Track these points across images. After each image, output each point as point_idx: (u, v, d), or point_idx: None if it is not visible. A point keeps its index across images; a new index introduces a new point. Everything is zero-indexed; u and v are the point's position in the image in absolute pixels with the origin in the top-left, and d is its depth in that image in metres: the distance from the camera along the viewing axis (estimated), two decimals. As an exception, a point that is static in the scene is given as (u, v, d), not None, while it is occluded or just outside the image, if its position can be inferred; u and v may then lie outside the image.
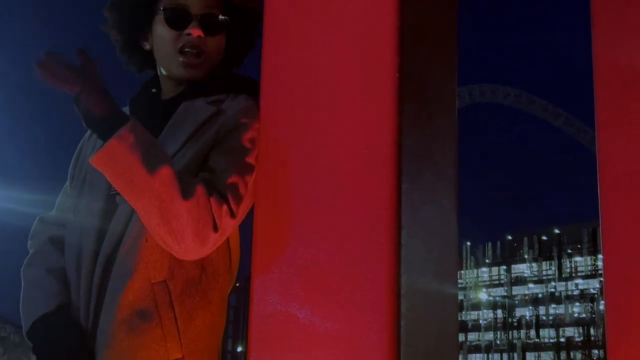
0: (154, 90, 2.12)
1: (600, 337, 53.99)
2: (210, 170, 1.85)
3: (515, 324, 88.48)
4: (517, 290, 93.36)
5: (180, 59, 2.00)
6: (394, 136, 1.58)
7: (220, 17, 2.05)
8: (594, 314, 69.89)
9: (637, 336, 2.78)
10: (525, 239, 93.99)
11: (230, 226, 1.80)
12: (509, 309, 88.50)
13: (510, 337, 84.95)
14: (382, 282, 1.52)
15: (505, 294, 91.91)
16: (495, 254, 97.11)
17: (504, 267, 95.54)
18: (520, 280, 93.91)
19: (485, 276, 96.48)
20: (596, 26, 3.13)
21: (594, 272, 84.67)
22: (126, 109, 2.02)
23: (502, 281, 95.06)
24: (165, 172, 1.70)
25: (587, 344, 54.02)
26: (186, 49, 2.00)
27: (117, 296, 1.77)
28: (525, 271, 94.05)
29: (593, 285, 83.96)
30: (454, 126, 1.84)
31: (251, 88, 1.98)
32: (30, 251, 2.03)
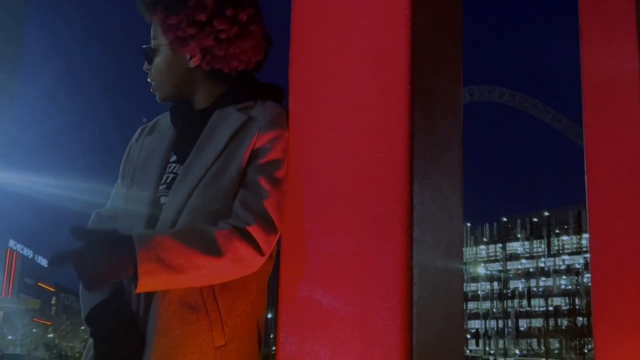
0: (189, 101, 1.99)
1: (584, 307, 53.66)
2: (248, 186, 1.75)
3: (509, 294, 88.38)
4: (511, 265, 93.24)
5: None
6: (406, 141, 1.55)
7: (145, 46, 1.94)
8: (578, 285, 69.45)
9: (620, 306, 2.77)
10: (519, 221, 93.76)
11: (274, 240, 1.73)
12: (504, 282, 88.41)
13: (505, 306, 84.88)
14: (397, 271, 1.49)
15: (501, 268, 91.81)
16: (492, 233, 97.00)
17: (500, 245, 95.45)
18: (514, 257, 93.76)
19: (483, 253, 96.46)
20: (584, 30, 3.09)
21: (578, 249, 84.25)
22: (167, 116, 1.99)
23: (497, 257, 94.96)
24: (189, 254, 1.62)
25: (572, 313, 53.71)
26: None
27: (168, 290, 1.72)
28: (518, 249, 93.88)
29: (578, 260, 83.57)
30: (459, 130, 1.80)
31: (276, 94, 1.91)
32: None
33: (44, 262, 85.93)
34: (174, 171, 1.84)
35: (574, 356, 51.34)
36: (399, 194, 1.53)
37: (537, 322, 75.35)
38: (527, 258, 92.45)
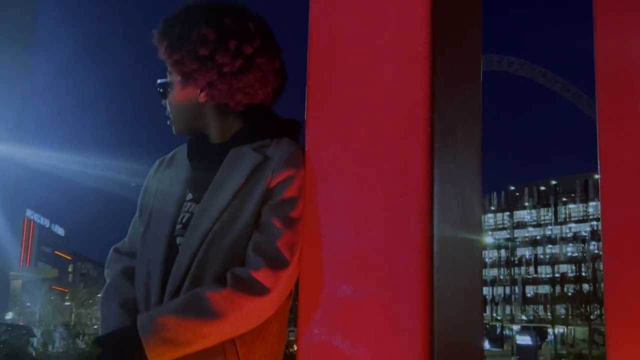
0: (206, 134, 1.91)
1: (590, 273, 53.70)
2: (262, 228, 1.69)
3: (517, 262, 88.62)
4: (518, 233, 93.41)
5: None
6: (426, 143, 1.50)
7: (159, 81, 1.90)
8: (584, 253, 69.55)
9: (632, 271, 2.71)
10: (526, 189, 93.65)
11: (289, 277, 1.67)
12: (511, 249, 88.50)
13: (512, 273, 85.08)
14: (418, 313, 1.46)
15: (508, 236, 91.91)
16: (499, 202, 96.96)
17: (507, 213, 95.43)
18: (521, 225, 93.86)
19: (491, 221, 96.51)
20: (598, 10, 3.00)
21: (585, 217, 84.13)
22: (184, 149, 1.94)
23: (505, 225, 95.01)
24: (194, 327, 1.60)
25: (578, 279, 53.70)
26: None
27: None
28: (526, 217, 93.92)
29: (584, 228, 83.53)
30: (479, 129, 1.75)
31: (292, 130, 1.84)
32: (107, 280, 1.92)
33: (60, 230, 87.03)
34: (190, 210, 1.80)
35: (579, 322, 51.50)
36: (419, 239, 1.48)
37: (544, 289, 75.65)
38: (534, 226, 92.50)
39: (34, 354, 13.14)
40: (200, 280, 1.68)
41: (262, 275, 1.62)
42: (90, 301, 54.70)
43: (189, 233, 1.75)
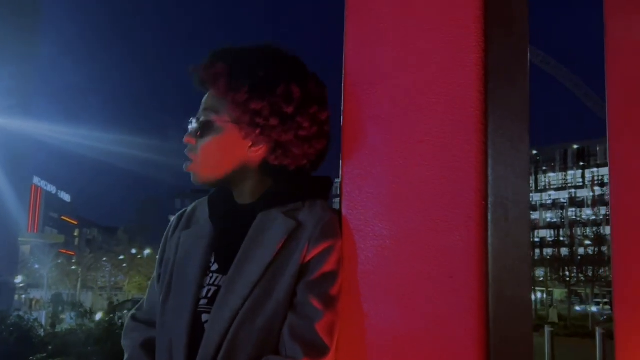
0: (229, 190, 1.68)
1: (567, 238, 54.01)
2: (298, 308, 1.46)
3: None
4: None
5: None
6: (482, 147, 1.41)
7: (201, 119, 1.59)
8: (563, 219, 69.86)
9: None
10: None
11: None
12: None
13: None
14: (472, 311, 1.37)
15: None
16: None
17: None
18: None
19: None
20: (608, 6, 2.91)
21: (564, 186, 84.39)
22: (205, 206, 1.70)
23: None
24: None
25: (556, 244, 54.04)
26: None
27: None
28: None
29: (563, 195, 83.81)
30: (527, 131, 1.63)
31: (325, 189, 1.64)
32: (126, 354, 1.68)
33: (66, 197, 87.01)
34: (216, 283, 1.55)
35: (557, 284, 51.94)
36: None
37: (524, 252, 75.82)
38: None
39: (42, 334, 13.10)
40: (233, 356, 1.46)
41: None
42: (97, 265, 54.72)
43: (216, 312, 1.49)
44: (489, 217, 1.38)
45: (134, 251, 56.36)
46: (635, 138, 2.72)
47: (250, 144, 1.58)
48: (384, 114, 1.52)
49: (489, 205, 1.38)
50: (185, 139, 1.61)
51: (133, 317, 1.75)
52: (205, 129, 1.58)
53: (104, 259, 55.00)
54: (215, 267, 1.58)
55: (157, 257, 1.76)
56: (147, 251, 57.10)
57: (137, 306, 1.79)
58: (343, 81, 1.61)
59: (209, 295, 1.54)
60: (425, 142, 1.45)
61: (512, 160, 1.50)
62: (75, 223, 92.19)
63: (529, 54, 1.67)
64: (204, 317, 1.52)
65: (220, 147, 1.58)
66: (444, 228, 1.40)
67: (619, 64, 2.82)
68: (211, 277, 1.57)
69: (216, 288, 1.54)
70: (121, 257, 54.60)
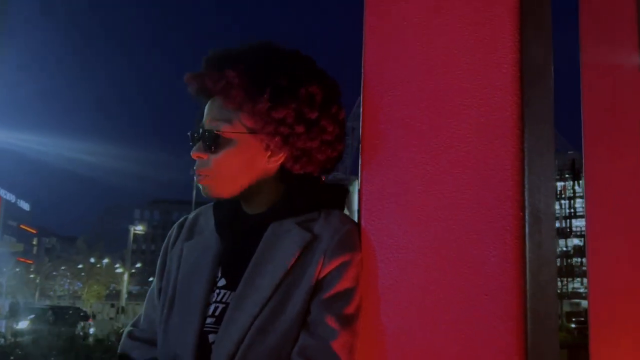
0: (237, 200, 1.47)
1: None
2: (312, 327, 1.29)
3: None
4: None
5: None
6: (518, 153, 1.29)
7: (214, 131, 1.38)
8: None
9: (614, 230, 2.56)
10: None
11: None
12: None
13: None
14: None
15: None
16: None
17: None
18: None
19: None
20: (583, 29, 2.85)
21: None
22: (209, 215, 1.50)
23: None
24: None
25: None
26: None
27: None
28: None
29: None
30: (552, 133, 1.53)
31: (341, 198, 1.46)
32: None
33: (25, 205, 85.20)
34: (224, 300, 1.36)
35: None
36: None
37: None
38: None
39: (3, 342, 12.37)
40: None
41: None
42: (54, 273, 53.43)
43: (224, 331, 1.31)
44: (526, 230, 1.24)
45: (92, 260, 55.23)
46: (610, 151, 2.64)
47: (269, 153, 1.40)
48: (409, 118, 1.37)
49: (526, 217, 1.24)
50: (194, 154, 1.40)
51: (130, 335, 1.53)
52: (218, 141, 1.38)
53: (63, 267, 53.71)
54: (222, 282, 1.40)
55: (157, 270, 1.54)
56: (106, 260, 56.15)
57: (132, 322, 1.57)
58: (362, 82, 1.45)
59: (216, 313, 1.36)
60: (457, 148, 1.31)
61: (543, 168, 1.36)
62: (35, 232, 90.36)
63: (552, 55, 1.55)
64: (211, 337, 1.34)
65: (239, 161, 1.39)
66: (476, 240, 1.26)
67: (594, 81, 2.75)
68: (218, 294, 1.38)
69: (224, 305, 1.36)
70: (80, 266, 53.43)
